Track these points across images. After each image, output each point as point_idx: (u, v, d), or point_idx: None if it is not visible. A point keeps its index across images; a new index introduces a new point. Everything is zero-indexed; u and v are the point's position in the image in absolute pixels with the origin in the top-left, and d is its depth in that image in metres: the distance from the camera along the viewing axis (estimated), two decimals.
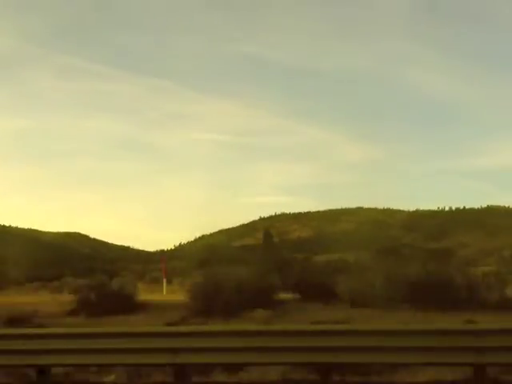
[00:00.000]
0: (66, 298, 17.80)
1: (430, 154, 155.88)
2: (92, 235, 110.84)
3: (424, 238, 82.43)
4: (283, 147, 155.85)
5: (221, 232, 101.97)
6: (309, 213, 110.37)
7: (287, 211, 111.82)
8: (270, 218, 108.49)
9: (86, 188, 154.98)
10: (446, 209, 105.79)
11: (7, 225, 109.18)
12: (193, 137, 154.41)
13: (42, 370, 7.64)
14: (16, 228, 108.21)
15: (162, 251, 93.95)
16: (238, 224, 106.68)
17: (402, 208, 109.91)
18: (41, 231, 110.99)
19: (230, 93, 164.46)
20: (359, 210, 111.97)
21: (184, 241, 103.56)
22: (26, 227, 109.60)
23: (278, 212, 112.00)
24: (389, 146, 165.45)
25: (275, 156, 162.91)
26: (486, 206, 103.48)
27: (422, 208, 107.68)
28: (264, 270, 18.44)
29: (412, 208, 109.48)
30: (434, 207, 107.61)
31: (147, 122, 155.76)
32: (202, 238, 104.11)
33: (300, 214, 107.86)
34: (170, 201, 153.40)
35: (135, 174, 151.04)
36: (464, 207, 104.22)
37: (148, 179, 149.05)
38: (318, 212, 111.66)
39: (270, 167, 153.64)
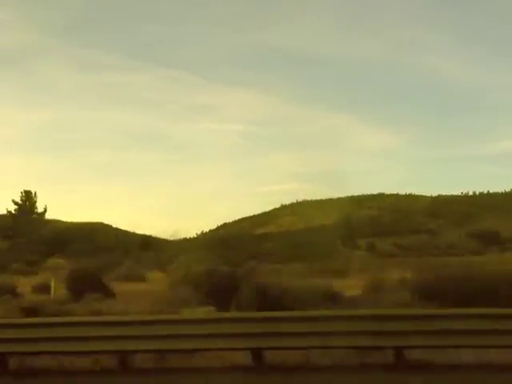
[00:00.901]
0: None
1: (449, 139, 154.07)
2: (115, 225, 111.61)
3: (449, 224, 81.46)
4: (300, 135, 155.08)
5: (243, 220, 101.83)
6: (330, 199, 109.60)
7: (308, 198, 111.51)
8: (292, 205, 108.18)
9: (108, 179, 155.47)
10: (470, 194, 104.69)
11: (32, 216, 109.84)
12: (212, 127, 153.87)
13: None
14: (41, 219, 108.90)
15: (185, 239, 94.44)
16: (259, 212, 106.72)
17: (423, 194, 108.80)
18: (65, 222, 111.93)
19: (249, 82, 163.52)
20: (380, 196, 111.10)
21: (206, 229, 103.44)
22: (51, 218, 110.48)
23: (300, 199, 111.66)
24: (406, 133, 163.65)
25: (293, 144, 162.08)
26: (510, 190, 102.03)
27: (444, 194, 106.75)
28: None
29: (434, 194, 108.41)
30: (456, 192, 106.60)
31: (167, 113, 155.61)
32: (224, 226, 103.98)
33: (321, 200, 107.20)
34: (190, 191, 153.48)
35: (156, 165, 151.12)
36: (488, 192, 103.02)
37: (169, 170, 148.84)
38: (339, 199, 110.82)
39: (288, 155, 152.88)
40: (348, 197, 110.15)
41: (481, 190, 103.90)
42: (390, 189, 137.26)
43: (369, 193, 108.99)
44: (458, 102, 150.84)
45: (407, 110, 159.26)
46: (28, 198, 75.01)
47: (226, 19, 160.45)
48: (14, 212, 74.53)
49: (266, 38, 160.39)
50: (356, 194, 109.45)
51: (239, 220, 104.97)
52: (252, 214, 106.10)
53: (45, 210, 77.58)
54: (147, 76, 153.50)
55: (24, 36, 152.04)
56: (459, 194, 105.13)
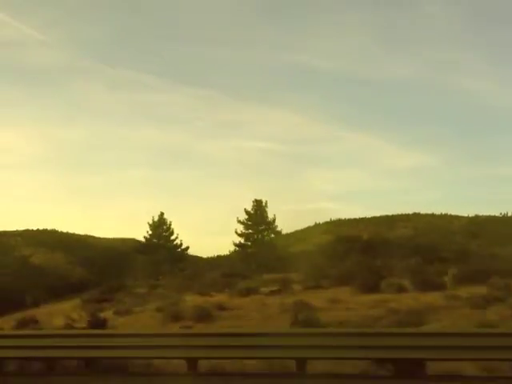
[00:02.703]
0: None
1: (483, 159, 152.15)
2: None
3: (489, 245, 79.47)
4: (332, 154, 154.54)
5: (278, 237, 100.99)
6: (364, 218, 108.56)
7: (341, 217, 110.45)
8: (326, 223, 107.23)
9: (139, 196, 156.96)
10: (510, 214, 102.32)
11: (64, 231, 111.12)
12: (242, 145, 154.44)
13: None
14: (73, 234, 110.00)
15: (219, 256, 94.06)
16: (293, 230, 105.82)
17: (460, 214, 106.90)
18: (96, 237, 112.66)
19: (280, 101, 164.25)
20: (416, 215, 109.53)
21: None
22: (83, 234, 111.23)
23: (333, 218, 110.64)
24: (440, 152, 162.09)
25: (324, 163, 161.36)
26: None
27: (481, 214, 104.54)
28: None
29: (471, 214, 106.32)
30: (495, 213, 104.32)
31: (197, 131, 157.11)
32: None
33: (355, 219, 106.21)
34: (221, 208, 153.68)
35: (186, 182, 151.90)
36: None
37: (199, 187, 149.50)
38: (373, 218, 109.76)
39: (319, 174, 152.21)
40: (382, 216, 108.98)
41: None
42: (423, 209, 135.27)
43: (403, 212, 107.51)
44: (493, 121, 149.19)
45: (440, 131, 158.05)
46: (259, 206, 75.25)
47: (256, 39, 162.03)
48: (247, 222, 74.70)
49: (296, 57, 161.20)
50: (390, 213, 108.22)
51: (273, 238, 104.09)
52: (285, 232, 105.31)
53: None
54: (178, 95, 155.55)
55: (60, 55, 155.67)
56: (497, 214, 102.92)
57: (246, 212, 74.35)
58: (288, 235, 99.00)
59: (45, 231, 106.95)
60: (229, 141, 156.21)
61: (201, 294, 34.27)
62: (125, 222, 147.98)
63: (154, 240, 79.37)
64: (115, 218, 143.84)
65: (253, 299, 29.33)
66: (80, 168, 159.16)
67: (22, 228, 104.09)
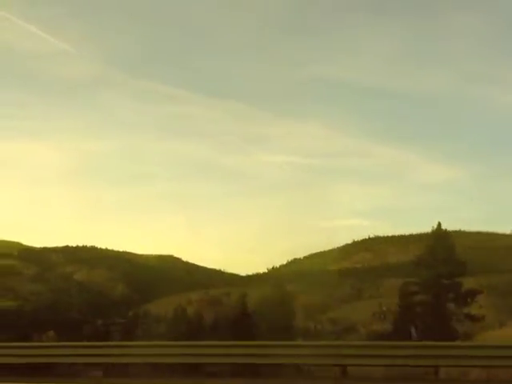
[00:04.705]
0: None
1: None
2: (184, 258, 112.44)
3: None
4: (361, 169, 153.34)
5: (315, 255, 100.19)
6: (403, 236, 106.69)
7: (380, 234, 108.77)
8: (364, 241, 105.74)
9: (168, 210, 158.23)
10: None
11: (103, 247, 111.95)
12: (269, 159, 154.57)
13: None
14: (111, 251, 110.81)
15: (258, 274, 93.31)
16: (330, 247, 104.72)
17: (501, 231, 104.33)
18: (134, 253, 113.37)
19: (307, 115, 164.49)
20: (456, 233, 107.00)
21: (276, 264, 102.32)
22: (121, 250, 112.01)
23: (372, 235, 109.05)
24: (471, 167, 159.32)
25: (353, 178, 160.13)
26: None
27: None
28: None
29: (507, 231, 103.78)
30: None
31: (224, 144, 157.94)
32: (295, 261, 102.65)
33: (396, 236, 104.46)
34: (250, 223, 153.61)
35: (214, 197, 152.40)
36: None
37: (227, 202, 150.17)
38: (412, 235, 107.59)
39: (348, 189, 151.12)
40: (422, 234, 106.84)
41: None
42: (459, 225, 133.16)
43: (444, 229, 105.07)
44: None
45: (469, 145, 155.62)
46: None
47: (284, 52, 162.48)
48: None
49: (327, 71, 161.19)
50: (430, 229, 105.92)
51: (310, 256, 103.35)
52: (322, 250, 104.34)
53: None
54: (205, 108, 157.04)
55: (90, 68, 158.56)
56: None
57: None
58: None
59: (84, 248, 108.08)
60: (256, 155, 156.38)
61: None
62: (159, 238, 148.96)
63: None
64: (149, 233, 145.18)
65: None
66: (109, 182, 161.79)
67: (61, 244, 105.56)
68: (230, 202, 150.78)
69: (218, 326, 35.48)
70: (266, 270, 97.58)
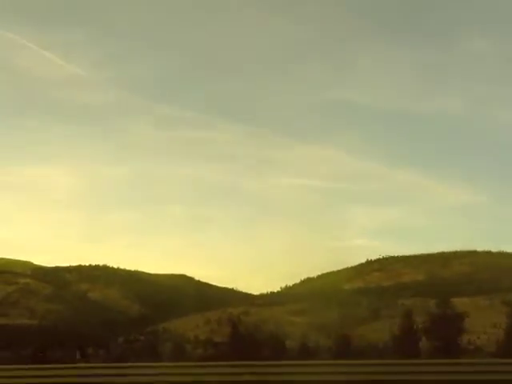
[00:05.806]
0: None
1: None
2: (196, 277, 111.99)
3: None
4: (377, 191, 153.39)
5: (329, 275, 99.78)
6: (419, 256, 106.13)
7: (393, 254, 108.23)
8: (378, 260, 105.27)
9: (181, 232, 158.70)
10: None
11: (115, 266, 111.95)
12: (287, 182, 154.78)
13: None
14: (124, 270, 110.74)
15: (272, 293, 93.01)
16: (343, 267, 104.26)
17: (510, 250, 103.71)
18: (146, 273, 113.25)
19: (323, 138, 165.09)
20: (471, 252, 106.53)
21: (289, 283, 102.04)
22: (133, 269, 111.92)
23: (385, 255, 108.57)
24: (489, 189, 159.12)
25: (369, 199, 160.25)
26: None
27: None
28: None
29: None
30: None
31: (242, 167, 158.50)
32: (308, 280, 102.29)
33: (409, 256, 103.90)
34: (265, 244, 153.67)
35: (229, 218, 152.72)
36: None
37: (243, 224, 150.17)
38: (428, 255, 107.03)
39: (364, 211, 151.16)
40: (436, 253, 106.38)
41: None
42: (475, 245, 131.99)
43: (460, 249, 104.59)
44: None
45: (487, 167, 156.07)
46: None
47: (303, 77, 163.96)
48: None
49: (342, 95, 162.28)
50: (443, 250, 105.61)
51: (323, 275, 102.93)
52: (335, 269, 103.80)
53: None
54: (223, 132, 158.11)
55: (108, 94, 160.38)
56: None
57: None
58: None
59: (97, 267, 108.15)
60: (273, 178, 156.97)
61: None
62: (171, 258, 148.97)
63: None
64: (161, 253, 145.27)
65: None
66: (122, 204, 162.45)
67: (74, 263, 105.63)
68: (246, 223, 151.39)
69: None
70: (280, 289, 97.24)
